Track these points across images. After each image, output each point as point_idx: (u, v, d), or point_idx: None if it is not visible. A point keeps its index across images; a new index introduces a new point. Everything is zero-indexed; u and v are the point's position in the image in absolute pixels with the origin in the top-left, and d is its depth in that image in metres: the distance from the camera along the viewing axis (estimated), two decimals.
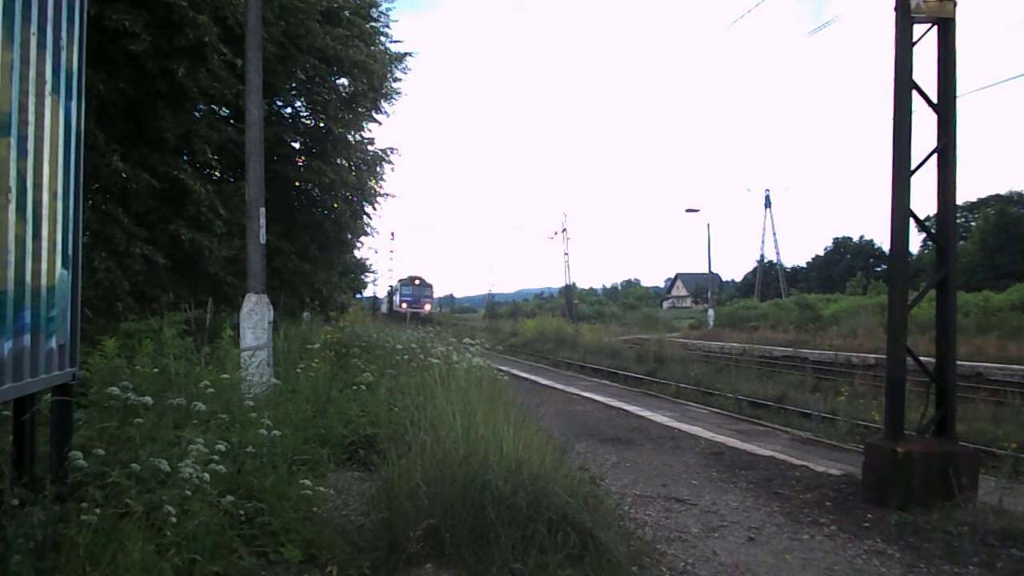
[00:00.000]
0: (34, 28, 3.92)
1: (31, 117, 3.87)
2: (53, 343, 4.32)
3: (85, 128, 4.93)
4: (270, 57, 12.08)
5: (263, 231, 9.26)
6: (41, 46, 4.03)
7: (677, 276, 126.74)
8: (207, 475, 4.23)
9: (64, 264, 4.49)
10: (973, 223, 76.16)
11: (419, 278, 71.48)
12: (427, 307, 69.04)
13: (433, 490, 4.92)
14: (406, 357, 9.73)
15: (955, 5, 6.98)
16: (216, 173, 13.70)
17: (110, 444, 4.65)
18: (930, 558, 5.37)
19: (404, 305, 66.24)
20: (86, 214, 9.01)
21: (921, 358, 7.10)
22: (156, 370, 6.30)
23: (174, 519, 3.83)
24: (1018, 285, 45.55)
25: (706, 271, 62.01)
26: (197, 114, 12.57)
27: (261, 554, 4.46)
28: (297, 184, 15.65)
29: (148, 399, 4.97)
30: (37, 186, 3.97)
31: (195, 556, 3.87)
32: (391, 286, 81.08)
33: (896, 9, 6.98)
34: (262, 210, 9.24)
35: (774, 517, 6.40)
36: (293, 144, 15.87)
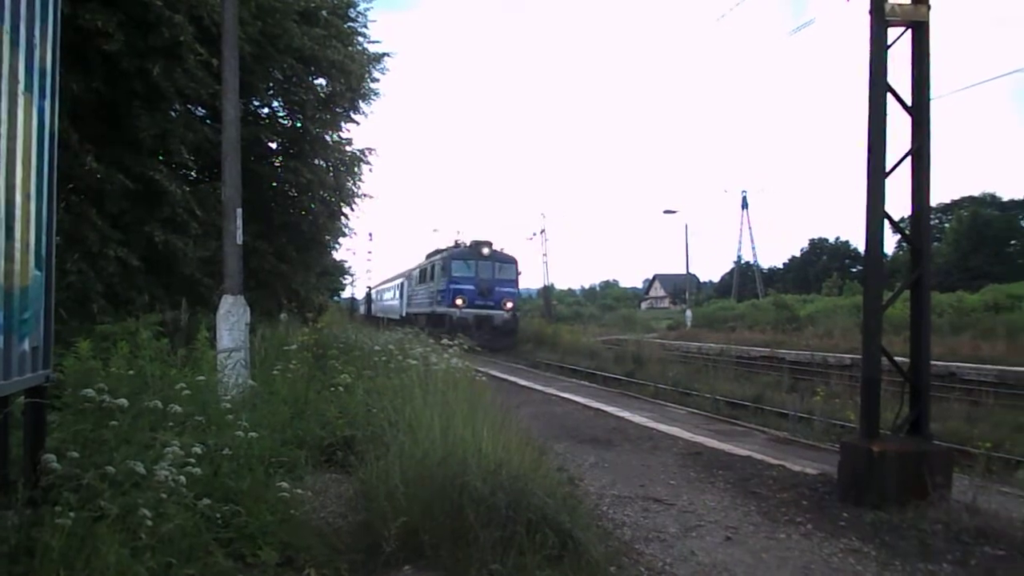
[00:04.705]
0: (7, 26, 3.88)
1: (4, 116, 3.83)
2: (26, 345, 4.27)
3: (59, 128, 4.88)
4: (247, 57, 12.01)
5: (240, 232, 9.20)
6: (14, 44, 3.99)
7: (655, 277, 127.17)
8: (183, 478, 4.19)
9: (38, 266, 4.44)
10: (947, 224, 77.11)
11: (487, 244, 36.06)
12: (508, 305, 34.99)
13: (411, 491, 4.91)
14: (384, 359, 9.70)
15: (929, 9, 7.05)
16: (192, 173, 13.62)
17: (84, 447, 4.60)
18: (905, 556, 5.42)
19: (459, 302, 33.62)
20: (59, 215, 8.90)
21: (896, 358, 7.16)
22: (131, 372, 6.25)
23: (149, 522, 3.79)
24: (991, 286, 46.27)
25: (684, 272, 62.45)
26: (173, 114, 12.47)
27: (238, 557, 4.43)
28: (274, 184, 15.59)
29: (123, 401, 4.92)
30: (10, 187, 3.92)
31: (171, 559, 3.84)
32: (368, 288, 73.75)
33: (871, 12, 7.04)
34: (239, 210, 9.18)
35: (751, 516, 6.43)
36: (270, 144, 15.82)
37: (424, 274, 40.81)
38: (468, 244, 37.57)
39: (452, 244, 39.95)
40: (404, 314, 44.01)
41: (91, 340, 6.96)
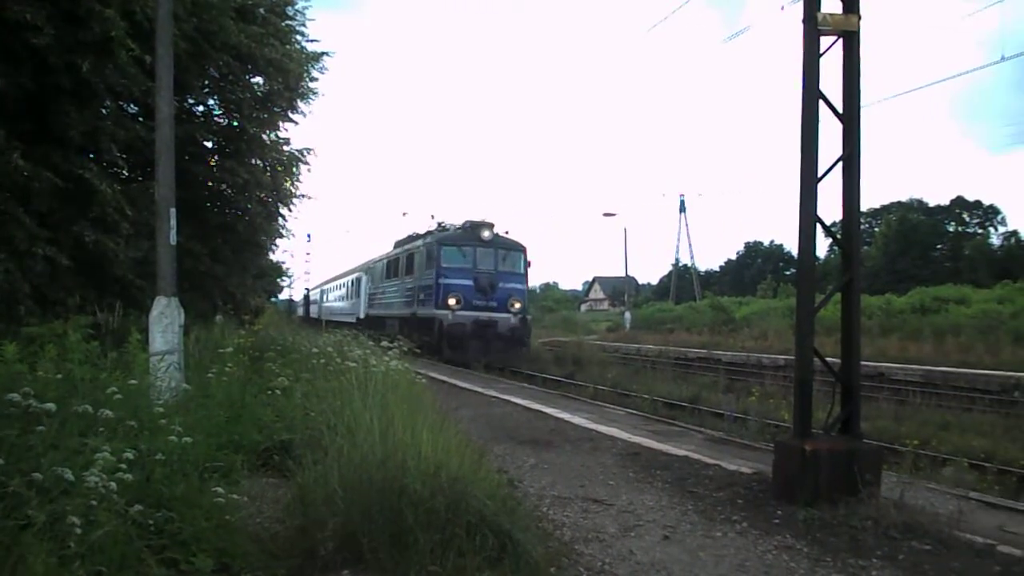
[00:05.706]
0: None
1: None
2: None
3: None
4: (181, 54, 11.77)
5: (174, 232, 9.01)
6: None
7: (595, 279, 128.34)
8: (114, 484, 4.08)
9: None
10: (876, 229, 79.46)
11: (488, 225, 26.63)
12: (516, 306, 25.76)
13: (350, 495, 4.87)
14: (322, 361, 9.59)
15: (859, 19, 7.23)
16: (124, 172, 13.30)
17: (10, 453, 4.45)
18: (836, 552, 5.55)
19: (451, 302, 24.87)
20: None
21: (827, 359, 7.32)
22: (60, 376, 6.07)
23: (79, 530, 3.69)
24: (918, 288, 47.82)
25: (623, 274, 63.01)
26: (104, 111, 12.16)
27: (171, 564, 4.33)
28: (209, 184, 15.32)
29: (51, 406, 4.77)
30: None
31: (101, 567, 3.74)
32: (307, 289, 70.07)
33: (804, 22, 7.19)
34: (172, 210, 8.99)
35: (688, 515, 6.52)
36: (205, 143, 15.56)
37: (395, 266, 31.33)
38: (461, 226, 27.52)
39: (436, 227, 29.40)
40: (363, 317, 35.82)
41: (17, 343, 6.73)
